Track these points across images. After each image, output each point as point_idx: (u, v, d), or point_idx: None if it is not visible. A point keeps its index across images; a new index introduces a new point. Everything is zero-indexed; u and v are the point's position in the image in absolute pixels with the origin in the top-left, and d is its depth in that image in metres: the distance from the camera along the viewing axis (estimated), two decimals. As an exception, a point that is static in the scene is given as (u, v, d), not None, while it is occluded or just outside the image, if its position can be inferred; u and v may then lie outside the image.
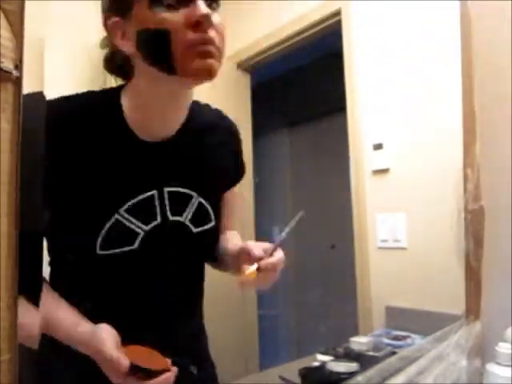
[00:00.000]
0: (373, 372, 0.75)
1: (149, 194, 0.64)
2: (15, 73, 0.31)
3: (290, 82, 2.64)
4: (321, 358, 1.06)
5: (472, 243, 0.95)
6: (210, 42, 0.58)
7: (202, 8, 0.56)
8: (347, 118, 1.56)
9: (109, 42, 0.66)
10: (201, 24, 0.57)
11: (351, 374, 0.88)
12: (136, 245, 0.63)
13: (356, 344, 1.12)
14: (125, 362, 0.55)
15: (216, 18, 0.60)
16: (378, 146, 1.46)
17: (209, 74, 0.59)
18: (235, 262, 0.70)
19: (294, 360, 1.23)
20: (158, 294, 0.67)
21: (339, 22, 1.57)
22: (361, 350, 1.09)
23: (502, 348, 0.77)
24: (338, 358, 1.03)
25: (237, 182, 0.82)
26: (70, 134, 0.61)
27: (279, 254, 0.67)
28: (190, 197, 0.68)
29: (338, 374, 0.91)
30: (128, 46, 0.61)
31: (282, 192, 2.90)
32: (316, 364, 1.03)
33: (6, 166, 0.31)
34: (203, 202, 0.70)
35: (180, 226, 0.67)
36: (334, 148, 2.18)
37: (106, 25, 0.63)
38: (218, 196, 0.76)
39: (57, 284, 0.64)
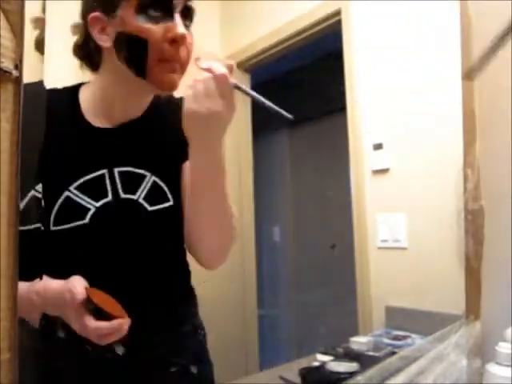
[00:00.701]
0: (373, 372, 0.75)
1: (98, 173, 0.68)
2: (15, 73, 0.31)
3: (290, 82, 2.63)
4: (321, 357, 1.07)
5: (472, 243, 0.95)
6: (180, 59, 0.65)
7: (180, 28, 0.63)
8: (347, 118, 1.56)
9: (83, 31, 0.70)
10: (176, 42, 0.64)
11: (351, 374, 0.88)
12: (87, 219, 0.66)
13: (356, 344, 1.12)
14: (81, 293, 0.57)
15: (188, 35, 0.66)
16: (378, 146, 1.46)
17: (173, 88, 0.67)
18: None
19: (293, 360, 1.23)
20: (113, 269, 0.68)
21: (339, 22, 1.57)
22: (361, 349, 1.09)
23: (502, 348, 0.77)
24: (337, 358, 1.03)
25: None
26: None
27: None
28: (144, 176, 0.71)
29: (338, 373, 0.91)
30: (104, 41, 0.65)
31: (282, 192, 2.90)
32: (316, 364, 1.03)
33: (6, 165, 0.31)
34: (158, 181, 0.71)
35: (133, 203, 0.69)
36: (333, 148, 2.18)
37: (85, 16, 0.67)
38: (175, 174, 0.75)
39: None
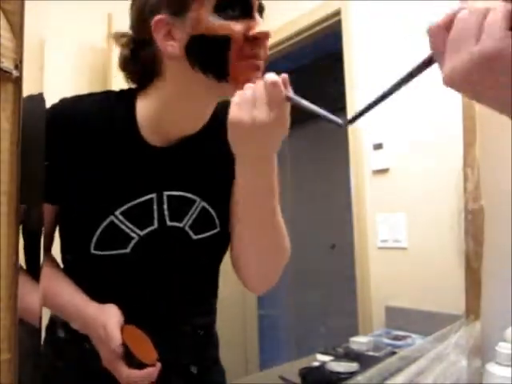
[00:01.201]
0: (373, 372, 0.75)
1: (147, 197, 0.63)
2: (15, 73, 0.31)
3: (290, 82, 2.64)
4: (321, 357, 1.07)
5: (472, 243, 0.95)
6: (261, 57, 0.61)
7: (262, 28, 0.60)
8: (347, 118, 1.55)
9: (129, 41, 0.64)
10: (259, 39, 0.60)
11: (351, 374, 0.88)
12: (128, 249, 0.63)
13: (356, 344, 1.12)
14: (118, 339, 0.57)
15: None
16: (378, 146, 1.46)
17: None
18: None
19: (293, 360, 1.23)
20: (151, 299, 0.67)
21: (339, 22, 1.57)
22: (361, 349, 1.09)
23: (502, 348, 0.77)
24: (337, 358, 1.03)
25: None
26: (78, 134, 0.61)
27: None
28: (193, 201, 0.66)
29: (338, 373, 0.91)
30: (172, 47, 0.58)
31: (282, 192, 2.89)
32: (316, 364, 1.03)
33: (6, 165, 0.31)
34: (207, 207, 0.67)
35: (178, 231, 0.65)
36: (334, 148, 2.18)
37: (139, 22, 0.60)
38: (225, 198, 0.70)
39: None
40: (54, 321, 0.68)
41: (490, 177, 0.95)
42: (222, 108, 0.61)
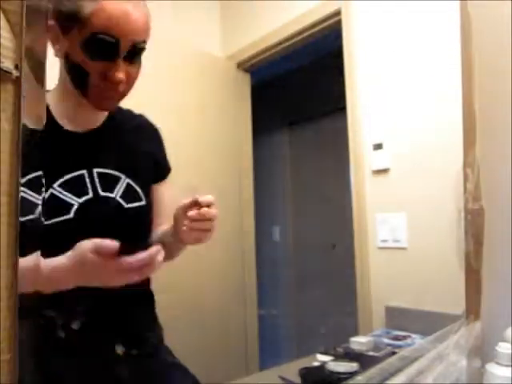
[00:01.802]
0: (373, 372, 0.75)
1: (79, 172, 0.73)
2: (15, 73, 0.31)
3: (290, 82, 2.64)
4: (321, 358, 1.07)
5: (472, 243, 0.95)
6: (117, 92, 0.71)
7: (118, 74, 0.68)
8: (347, 118, 1.56)
9: None
10: (114, 82, 0.69)
11: (351, 374, 0.88)
12: (71, 214, 0.71)
13: (356, 344, 1.12)
14: (112, 242, 0.60)
15: (132, 69, 0.71)
16: (378, 146, 1.46)
17: (109, 109, 0.78)
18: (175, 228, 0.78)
19: (293, 360, 1.23)
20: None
21: (339, 22, 1.57)
22: (361, 349, 1.09)
23: (502, 348, 0.77)
24: (337, 358, 1.03)
25: (160, 179, 0.88)
26: None
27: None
28: (119, 177, 0.77)
29: (338, 373, 0.91)
30: (56, 51, 0.69)
31: (282, 192, 2.90)
32: (316, 364, 1.03)
33: (6, 165, 0.31)
34: (131, 183, 0.78)
35: (112, 200, 0.76)
36: (334, 148, 2.18)
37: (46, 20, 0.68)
38: (146, 182, 0.83)
39: None
40: (53, 321, 0.69)
41: (490, 177, 0.95)
42: (121, 112, 0.82)
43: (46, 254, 0.67)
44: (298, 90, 2.63)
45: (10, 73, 0.31)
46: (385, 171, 1.45)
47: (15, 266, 0.31)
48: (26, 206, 0.65)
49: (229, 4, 2.00)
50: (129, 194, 0.77)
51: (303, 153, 2.81)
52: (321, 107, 2.50)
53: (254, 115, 2.07)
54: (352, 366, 0.92)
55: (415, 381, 0.75)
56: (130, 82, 0.72)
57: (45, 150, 0.70)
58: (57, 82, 0.76)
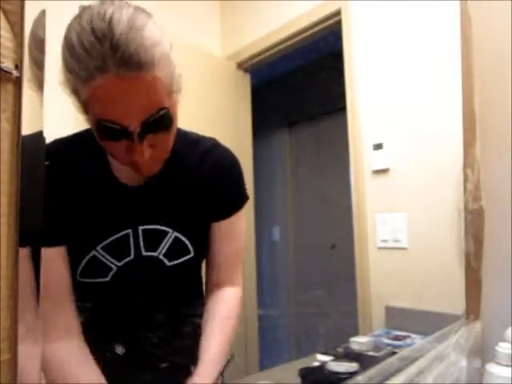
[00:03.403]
0: (373, 372, 0.75)
1: (123, 233, 0.71)
2: (15, 73, 0.31)
3: (290, 82, 2.63)
4: (321, 358, 1.07)
5: (472, 243, 0.95)
6: (145, 163, 0.61)
7: (137, 157, 0.59)
8: (347, 118, 1.56)
9: None
10: (134, 164, 0.61)
11: (351, 374, 0.88)
12: (108, 278, 0.71)
13: (356, 344, 1.11)
14: None
15: (160, 137, 0.61)
16: (378, 146, 1.46)
17: (150, 173, 0.66)
18: None
19: (293, 360, 1.23)
20: (134, 320, 0.76)
21: (339, 22, 1.57)
22: (361, 350, 1.09)
23: (502, 348, 0.77)
24: (337, 358, 1.03)
25: (222, 216, 0.79)
26: (58, 175, 0.66)
27: None
28: (166, 232, 0.73)
29: (338, 373, 0.91)
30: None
31: (282, 192, 2.90)
32: (316, 364, 1.03)
33: (6, 165, 0.31)
34: (179, 236, 0.74)
35: (153, 260, 0.73)
36: (334, 148, 2.18)
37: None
38: (200, 230, 0.77)
39: None
40: None
41: (490, 177, 0.95)
42: (184, 144, 0.73)
43: (83, 309, 0.71)
44: (298, 89, 2.63)
45: (10, 73, 0.31)
46: (385, 171, 1.45)
47: (15, 265, 0.31)
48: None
49: (229, 4, 2.00)
50: (175, 249, 0.73)
51: (303, 153, 2.80)
52: (321, 107, 2.50)
53: (254, 115, 2.06)
54: (352, 366, 0.92)
55: (415, 381, 0.75)
56: (159, 147, 0.62)
57: (96, 207, 0.70)
58: None
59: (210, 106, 1.83)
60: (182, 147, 0.73)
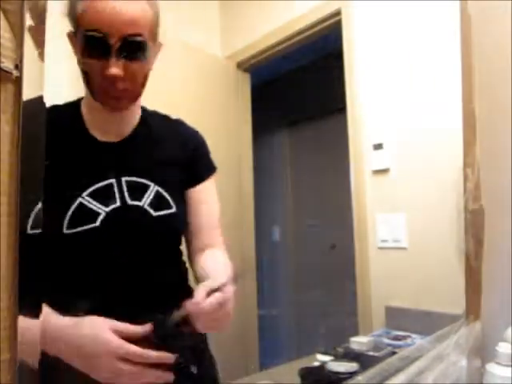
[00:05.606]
0: (373, 372, 0.75)
1: (107, 182, 0.74)
2: (15, 73, 0.31)
3: (290, 82, 2.63)
4: (321, 358, 1.06)
5: (472, 243, 0.95)
6: (117, 89, 0.71)
7: (112, 69, 0.68)
8: (347, 118, 1.56)
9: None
10: (112, 77, 0.69)
11: (351, 374, 0.88)
12: (98, 223, 0.71)
13: (356, 344, 1.11)
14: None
15: (133, 66, 0.71)
16: (378, 146, 1.46)
17: (120, 110, 0.77)
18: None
19: (293, 360, 1.23)
20: (120, 270, 0.74)
21: (339, 22, 1.57)
22: (361, 350, 1.09)
23: (502, 348, 0.77)
24: (337, 358, 1.03)
25: (196, 182, 0.86)
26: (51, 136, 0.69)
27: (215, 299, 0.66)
28: (148, 185, 0.77)
29: (338, 373, 0.91)
30: (77, 61, 0.72)
31: (282, 192, 2.90)
32: (316, 364, 1.03)
33: (6, 166, 0.31)
34: (161, 190, 0.78)
35: (139, 209, 0.75)
36: (333, 148, 2.18)
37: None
38: (177, 188, 0.82)
39: None
40: None
41: (490, 177, 0.95)
42: (153, 117, 0.83)
43: (70, 264, 0.71)
44: (298, 90, 2.63)
45: (10, 73, 0.31)
46: (385, 171, 1.45)
47: (15, 265, 0.31)
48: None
49: (229, 4, 2.00)
50: (158, 202, 0.77)
51: (303, 153, 2.80)
52: (321, 107, 2.50)
53: (254, 115, 2.06)
54: (352, 366, 0.92)
55: (415, 381, 0.75)
56: (133, 78, 0.72)
57: (77, 160, 0.74)
58: (84, 97, 0.78)
59: (209, 105, 1.83)
60: (152, 118, 0.83)
